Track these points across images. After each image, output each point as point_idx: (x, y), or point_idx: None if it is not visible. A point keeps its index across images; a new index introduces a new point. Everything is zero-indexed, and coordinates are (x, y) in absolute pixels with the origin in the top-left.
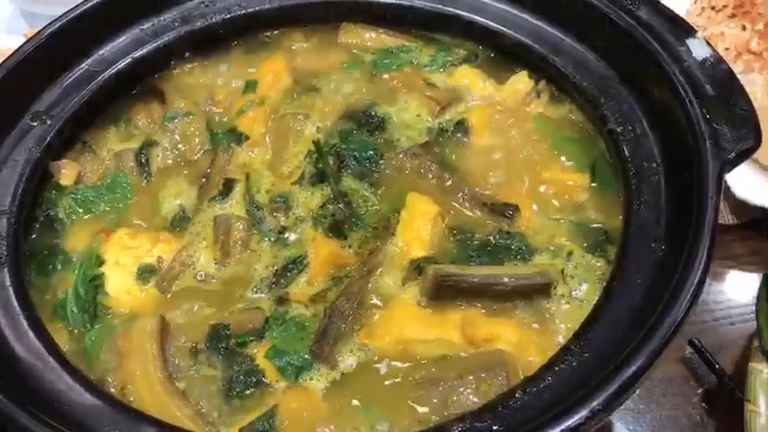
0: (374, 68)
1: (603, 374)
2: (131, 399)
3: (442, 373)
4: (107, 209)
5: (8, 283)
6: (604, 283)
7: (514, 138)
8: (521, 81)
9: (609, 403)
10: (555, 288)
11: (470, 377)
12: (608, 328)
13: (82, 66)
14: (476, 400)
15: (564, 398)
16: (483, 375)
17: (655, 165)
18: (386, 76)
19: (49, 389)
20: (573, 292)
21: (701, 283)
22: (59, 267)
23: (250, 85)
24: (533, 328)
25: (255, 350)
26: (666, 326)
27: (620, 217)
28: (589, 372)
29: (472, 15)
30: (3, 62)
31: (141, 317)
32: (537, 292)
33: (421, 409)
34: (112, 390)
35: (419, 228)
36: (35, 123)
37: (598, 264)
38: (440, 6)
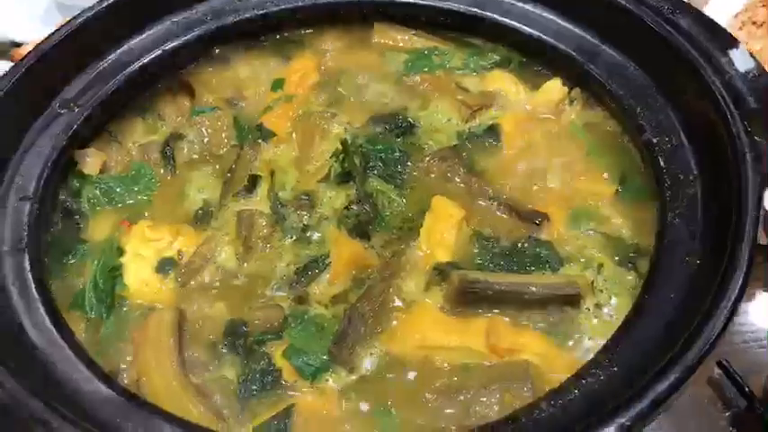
0: (405, 70)
1: (634, 390)
2: (145, 391)
3: (464, 382)
4: (130, 200)
5: (27, 269)
6: (635, 297)
7: (546, 145)
8: (554, 88)
9: (639, 420)
10: (584, 300)
11: (494, 387)
12: (638, 342)
13: (111, 56)
14: (499, 411)
15: (591, 412)
16: (507, 386)
17: (691, 177)
18: (417, 78)
19: (63, 378)
20: (602, 306)
21: (739, 300)
22: (79, 256)
23: (278, 83)
24: (560, 340)
25: (273, 348)
26: (701, 343)
27: (653, 230)
28: (618, 387)
29: (508, 20)
30: (33, 48)
31: (159, 309)
32: (565, 302)
33: (440, 418)
34: (127, 382)
35: (444, 232)
36: (63, 111)
37: (629, 277)
38: (475, 9)
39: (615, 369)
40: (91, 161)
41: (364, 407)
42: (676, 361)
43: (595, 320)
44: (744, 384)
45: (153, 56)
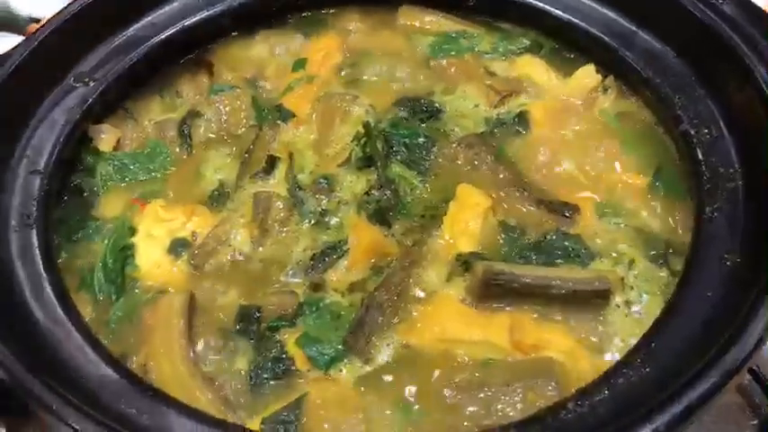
0: (432, 53)
1: (667, 393)
2: (153, 376)
3: (485, 378)
4: (144, 178)
5: (35, 246)
6: (669, 295)
7: (577, 134)
8: (587, 75)
9: (672, 425)
10: (613, 297)
11: (517, 385)
12: (672, 342)
13: (129, 30)
14: (522, 409)
15: (621, 414)
16: (531, 384)
17: (732, 171)
18: (444, 61)
19: (66, 359)
20: (632, 303)
21: None
22: (90, 235)
23: (300, 63)
24: (587, 338)
25: (286, 336)
26: (741, 347)
27: (689, 225)
28: (650, 389)
29: (539, 3)
30: (48, 20)
31: (170, 292)
32: (594, 299)
33: (460, 414)
34: (134, 366)
35: (468, 221)
36: (78, 85)
37: (661, 274)
38: None
39: (647, 370)
40: (105, 137)
41: (379, 400)
42: (713, 364)
43: (625, 318)
44: None
45: (172, 31)
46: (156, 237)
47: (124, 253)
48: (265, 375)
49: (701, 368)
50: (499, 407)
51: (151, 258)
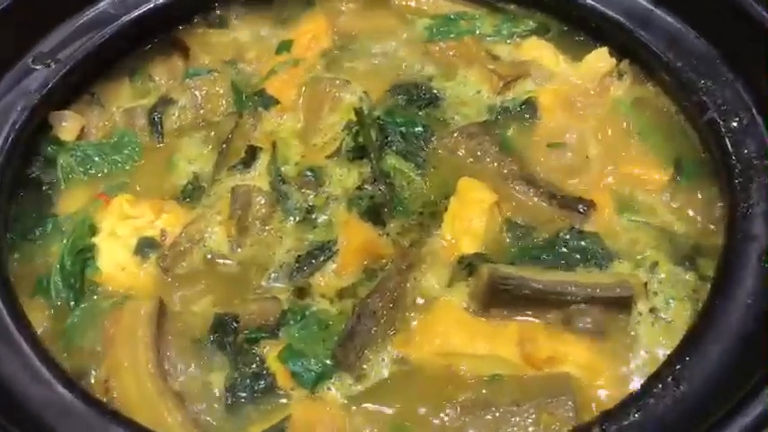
0: (429, 36)
1: (710, 421)
2: (115, 395)
3: (493, 397)
4: (110, 170)
5: None
6: (698, 302)
7: (590, 123)
8: (600, 59)
9: None
10: (636, 304)
11: (529, 404)
12: (709, 356)
13: (98, 6)
14: None
15: None
16: (545, 403)
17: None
18: (442, 44)
19: (10, 377)
20: (658, 311)
21: None
22: (48, 233)
23: (285, 45)
24: (608, 350)
25: (267, 349)
26: None
27: (718, 223)
28: (688, 413)
29: None
30: None
31: (136, 298)
32: (615, 306)
33: None
34: (93, 383)
35: (472, 218)
36: (37, 66)
37: (688, 278)
38: None
39: (681, 389)
40: (68, 125)
41: (373, 422)
42: (761, 387)
43: (651, 327)
44: None
45: (145, 9)
46: (120, 236)
47: (84, 254)
48: (243, 394)
49: (748, 391)
50: (509, 430)
51: (114, 260)
